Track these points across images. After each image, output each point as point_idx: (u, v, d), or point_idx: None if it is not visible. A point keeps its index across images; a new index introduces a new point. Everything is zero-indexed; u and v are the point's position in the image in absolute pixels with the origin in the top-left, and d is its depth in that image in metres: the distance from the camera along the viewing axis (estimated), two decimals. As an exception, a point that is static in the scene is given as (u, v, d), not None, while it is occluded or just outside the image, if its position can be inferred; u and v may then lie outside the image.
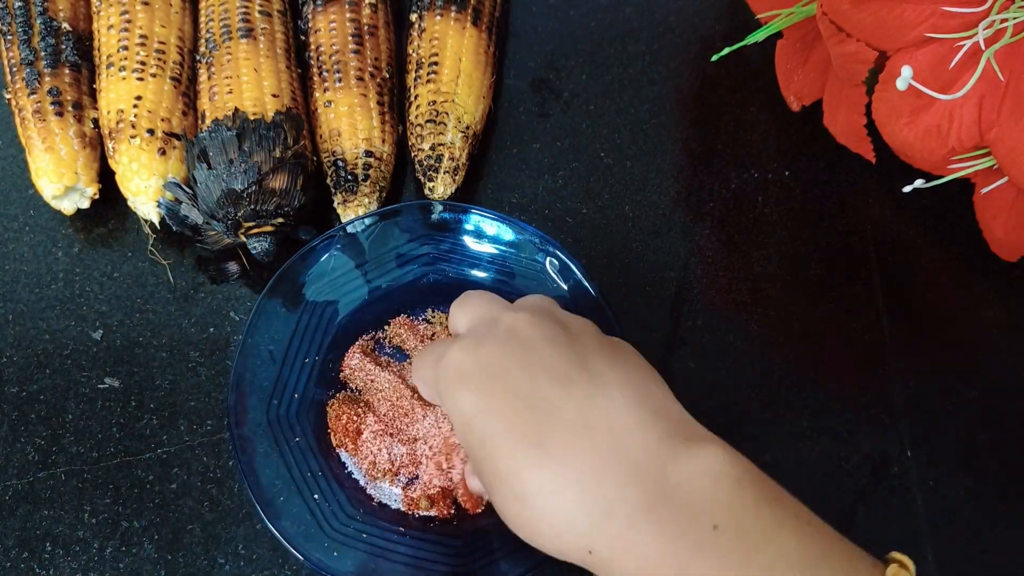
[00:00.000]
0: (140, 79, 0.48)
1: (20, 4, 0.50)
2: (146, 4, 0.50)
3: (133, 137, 0.47)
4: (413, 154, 0.50)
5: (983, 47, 0.41)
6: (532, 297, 0.39)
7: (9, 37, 0.50)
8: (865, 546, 0.32)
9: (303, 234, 0.48)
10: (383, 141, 0.50)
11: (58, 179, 0.47)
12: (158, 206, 0.47)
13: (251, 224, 0.46)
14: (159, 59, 0.49)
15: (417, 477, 0.42)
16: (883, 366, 0.47)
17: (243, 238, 0.47)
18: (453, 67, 0.51)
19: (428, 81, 0.50)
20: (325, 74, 0.50)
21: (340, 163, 0.49)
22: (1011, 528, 0.43)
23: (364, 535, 0.40)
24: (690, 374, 0.47)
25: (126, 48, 0.49)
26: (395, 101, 0.52)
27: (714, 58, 0.51)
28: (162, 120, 0.48)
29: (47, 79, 0.49)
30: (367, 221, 0.46)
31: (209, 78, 0.49)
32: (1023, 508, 0.44)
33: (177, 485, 0.44)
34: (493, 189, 0.52)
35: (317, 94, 0.51)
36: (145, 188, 0.47)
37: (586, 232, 0.51)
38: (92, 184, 0.49)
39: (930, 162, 0.45)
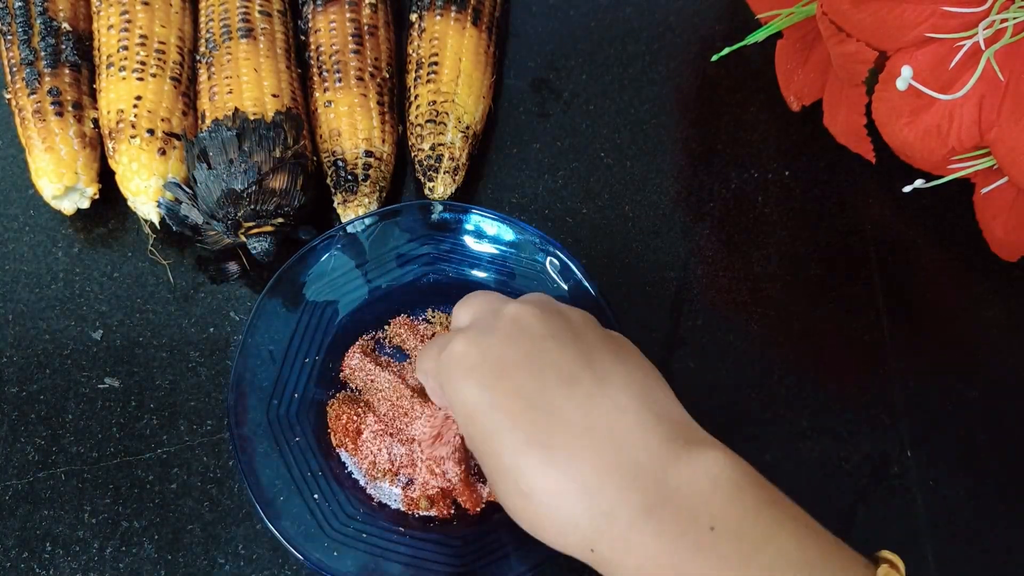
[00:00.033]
0: (140, 79, 0.48)
1: (20, 4, 0.50)
2: (146, 4, 0.50)
3: (133, 137, 0.47)
4: (413, 154, 0.50)
5: (983, 47, 0.41)
6: (532, 294, 0.39)
7: (9, 37, 0.50)
8: (865, 546, 0.32)
9: (303, 234, 0.48)
10: (383, 141, 0.50)
11: (58, 179, 0.47)
12: (158, 206, 0.47)
13: (251, 224, 0.46)
14: (159, 59, 0.49)
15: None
16: (883, 366, 0.47)
17: (243, 238, 0.47)
18: (453, 67, 0.51)
19: (428, 81, 0.50)
20: (325, 74, 0.50)
21: (340, 163, 0.49)
22: (1011, 528, 0.43)
23: (364, 535, 0.40)
24: (690, 374, 0.47)
25: (126, 48, 0.49)
26: (395, 101, 0.52)
27: (714, 58, 0.51)
28: (162, 120, 0.48)
29: (47, 79, 0.49)
30: (367, 221, 0.46)
31: (209, 78, 0.49)
32: (1023, 508, 0.44)
33: (177, 485, 0.44)
34: (493, 189, 0.52)
35: (317, 94, 0.51)
36: (145, 188, 0.47)
37: (586, 232, 0.51)
38: (92, 184, 0.49)
39: (930, 162, 0.45)
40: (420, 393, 0.43)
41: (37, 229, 0.50)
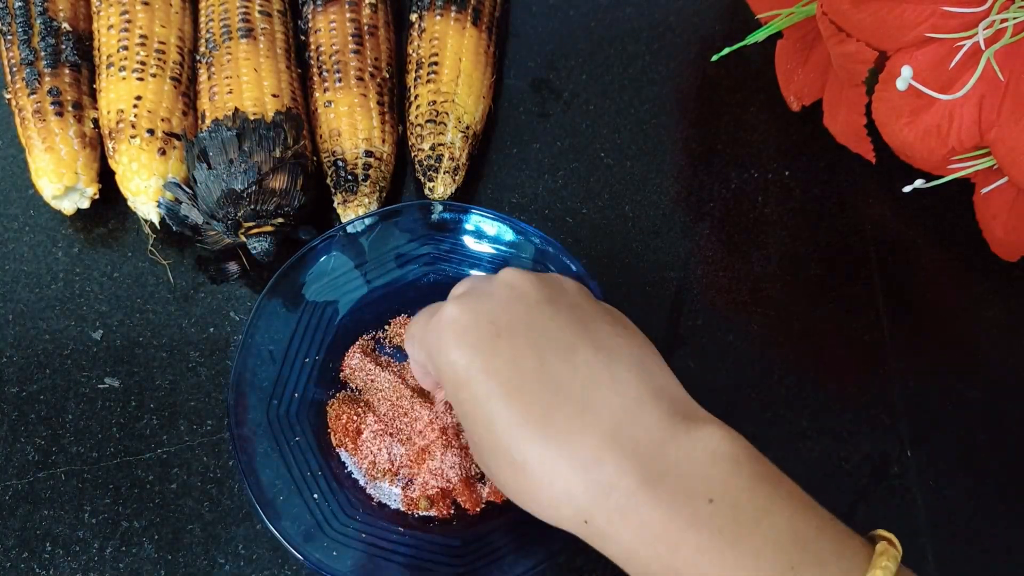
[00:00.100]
0: (140, 79, 0.48)
1: (20, 4, 0.50)
2: (146, 4, 0.50)
3: (133, 137, 0.47)
4: (413, 154, 0.50)
5: (983, 47, 0.41)
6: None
7: (9, 37, 0.50)
8: (865, 546, 0.32)
9: (303, 234, 0.48)
10: (383, 141, 0.50)
11: (58, 179, 0.47)
12: (158, 206, 0.47)
13: (251, 224, 0.46)
14: (159, 59, 0.49)
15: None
16: (883, 366, 0.47)
17: (243, 238, 0.47)
18: (453, 67, 0.51)
19: (428, 81, 0.50)
20: (325, 74, 0.50)
21: (340, 163, 0.49)
22: (1011, 528, 0.43)
23: (364, 535, 0.40)
24: (690, 374, 0.46)
25: (126, 48, 0.49)
26: (395, 101, 0.52)
27: (714, 58, 0.51)
28: (162, 120, 0.48)
29: (47, 79, 0.49)
30: (367, 221, 0.46)
31: (209, 78, 0.49)
32: (1023, 508, 0.44)
33: (177, 485, 0.44)
34: (493, 189, 0.52)
35: (317, 94, 0.51)
36: (145, 188, 0.47)
37: (586, 232, 0.51)
38: (92, 184, 0.49)
39: (930, 162, 0.45)
40: (420, 393, 0.43)
41: (37, 229, 0.50)
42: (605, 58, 0.56)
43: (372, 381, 0.44)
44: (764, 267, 0.50)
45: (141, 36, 0.49)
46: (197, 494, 0.44)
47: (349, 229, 0.46)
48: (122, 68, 0.49)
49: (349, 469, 0.43)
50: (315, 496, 0.41)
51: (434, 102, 0.50)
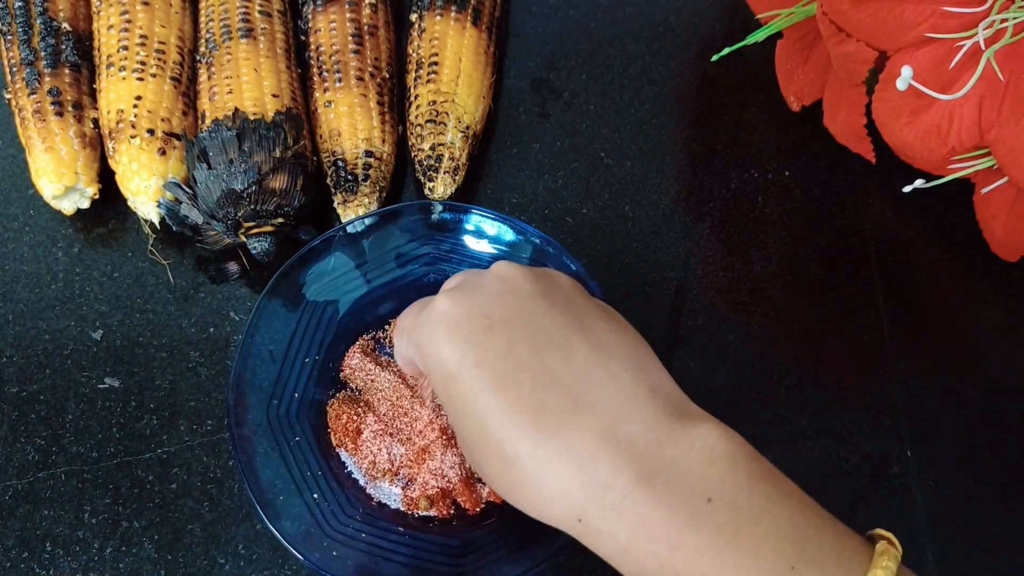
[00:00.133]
0: (140, 79, 0.48)
1: (20, 4, 0.50)
2: (146, 4, 0.50)
3: (133, 137, 0.47)
4: (413, 154, 0.50)
5: (983, 47, 0.41)
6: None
7: (9, 37, 0.50)
8: (865, 546, 0.32)
9: (303, 234, 0.48)
10: (383, 141, 0.50)
11: (58, 179, 0.47)
12: (158, 206, 0.47)
13: (251, 224, 0.46)
14: (159, 59, 0.49)
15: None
16: (883, 366, 0.47)
17: (243, 238, 0.47)
18: (453, 67, 0.51)
19: (428, 81, 0.50)
20: (325, 74, 0.50)
21: (340, 163, 0.49)
22: (1011, 528, 0.43)
23: (364, 535, 0.40)
24: (690, 374, 0.47)
25: (126, 48, 0.49)
26: (395, 101, 0.52)
27: (714, 58, 0.51)
28: (162, 120, 0.48)
29: (47, 79, 0.49)
30: (367, 221, 0.46)
31: (209, 78, 0.49)
32: (1023, 508, 0.44)
33: (177, 485, 0.44)
34: (493, 189, 0.52)
35: (317, 94, 0.51)
36: (145, 188, 0.47)
37: (586, 232, 0.51)
38: (92, 184, 0.49)
39: (930, 162, 0.45)
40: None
41: (37, 229, 0.50)
42: (605, 58, 0.56)
43: (372, 381, 0.44)
44: (764, 267, 0.50)
45: (141, 36, 0.49)
46: (197, 494, 0.44)
47: (349, 229, 0.46)
48: (122, 68, 0.49)
49: (349, 469, 0.43)
50: (315, 496, 0.41)
51: (434, 102, 0.50)
